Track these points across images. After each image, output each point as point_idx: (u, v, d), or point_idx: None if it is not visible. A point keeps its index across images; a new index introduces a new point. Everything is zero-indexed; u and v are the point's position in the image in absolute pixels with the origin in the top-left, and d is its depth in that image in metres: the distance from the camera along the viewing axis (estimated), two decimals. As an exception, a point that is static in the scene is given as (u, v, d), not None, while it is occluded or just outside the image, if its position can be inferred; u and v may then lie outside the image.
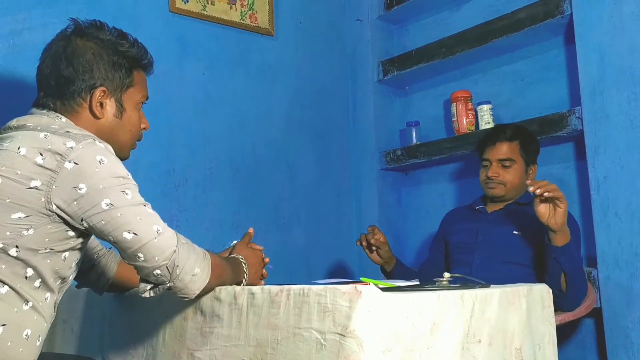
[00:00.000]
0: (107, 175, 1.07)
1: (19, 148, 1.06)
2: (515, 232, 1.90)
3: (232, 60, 2.41)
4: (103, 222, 1.07)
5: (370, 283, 1.50)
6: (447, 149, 2.46)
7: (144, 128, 1.33)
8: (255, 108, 2.46)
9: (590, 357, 2.05)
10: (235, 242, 1.58)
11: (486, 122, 2.37)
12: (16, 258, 1.06)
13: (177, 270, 1.10)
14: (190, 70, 2.27)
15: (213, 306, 1.19)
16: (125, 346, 1.39)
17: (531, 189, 1.67)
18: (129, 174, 1.13)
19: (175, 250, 1.11)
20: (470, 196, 2.55)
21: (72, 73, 1.18)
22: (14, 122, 1.15)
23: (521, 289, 1.28)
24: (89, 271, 1.43)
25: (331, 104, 2.77)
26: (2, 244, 1.04)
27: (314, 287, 1.02)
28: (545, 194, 1.64)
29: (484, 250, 1.94)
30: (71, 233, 1.10)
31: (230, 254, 1.41)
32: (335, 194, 2.72)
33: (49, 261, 1.10)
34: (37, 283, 1.10)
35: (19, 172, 1.04)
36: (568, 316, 1.76)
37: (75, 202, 1.06)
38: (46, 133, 1.08)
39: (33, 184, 1.04)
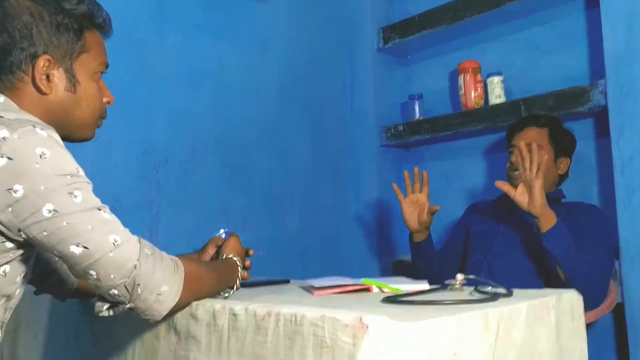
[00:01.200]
0: (50, 172, 0.87)
1: None
2: None
3: (217, 27, 2.17)
4: (45, 234, 0.87)
5: (373, 286, 1.33)
6: (453, 125, 2.25)
7: (108, 102, 1.12)
8: (244, 80, 2.23)
9: (608, 356, 1.89)
10: (222, 230, 1.40)
11: (497, 95, 2.16)
12: None
13: (139, 290, 0.91)
14: (170, 39, 2.03)
15: (189, 325, 1.01)
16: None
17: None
18: (80, 169, 0.92)
19: (135, 265, 0.91)
20: (477, 177, 2.37)
21: (6, 40, 0.97)
22: None
23: (549, 299, 1.10)
24: (49, 276, 1.24)
25: (327, 75, 2.55)
26: None
27: (309, 314, 0.83)
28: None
29: (504, 240, 1.78)
30: (9, 244, 0.90)
31: (222, 250, 1.27)
32: (331, 173, 2.52)
33: None
34: None
35: None
36: (588, 317, 1.59)
37: (9, 209, 0.85)
38: None
39: None
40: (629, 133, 1.74)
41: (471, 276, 1.32)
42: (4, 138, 0.85)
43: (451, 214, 2.41)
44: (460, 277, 1.31)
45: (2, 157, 0.84)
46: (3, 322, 0.99)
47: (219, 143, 2.13)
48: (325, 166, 2.50)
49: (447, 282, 1.31)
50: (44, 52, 0.99)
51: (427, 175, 1.91)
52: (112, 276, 0.90)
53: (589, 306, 1.60)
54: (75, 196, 0.88)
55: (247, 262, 1.32)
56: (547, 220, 1.56)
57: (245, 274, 1.29)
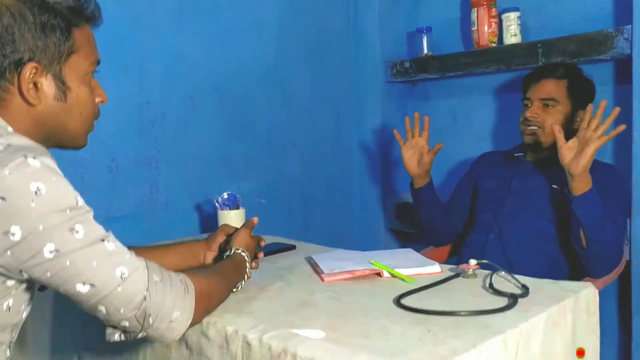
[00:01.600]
0: (48, 210, 0.80)
1: None
2: (554, 185, 1.66)
3: (209, -39, 1.98)
4: (49, 274, 0.82)
5: (384, 271, 1.30)
6: (464, 66, 2.13)
7: (101, 102, 1.03)
8: (240, 19, 2.07)
9: (610, 312, 1.92)
10: (224, 225, 1.38)
11: (512, 34, 2.02)
12: None
13: (150, 320, 0.88)
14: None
15: (200, 343, 0.99)
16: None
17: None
18: (79, 197, 0.85)
19: (145, 296, 0.87)
20: (487, 118, 2.28)
21: None
22: None
23: (567, 302, 1.08)
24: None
25: (329, 5, 2.37)
26: None
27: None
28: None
29: (516, 199, 1.72)
30: (10, 282, 0.86)
31: (231, 240, 1.24)
32: (334, 114, 2.43)
33: None
34: None
35: None
36: (597, 284, 1.59)
37: (8, 252, 0.80)
38: None
39: None
40: (653, 88, 1.65)
41: (484, 261, 1.30)
42: None
43: (458, 156, 2.36)
44: (473, 262, 1.29)
45: None
46: (11, 342, 0.96)
47: (217, 90, 2.02)
48: (327, 106, 2.40)
49: (460, 268, 1.29)
50: (30, 59, 0.89)
51: (428, 120, 1.88)
52: (121, 310, 0.86)
53: (605, 272, 1.61)
54: (76, 231, 0.82)
55: (260, 254, 1.29)
56: (583, 184, 1.48)
57: (255, 264, 1.26)
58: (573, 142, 1.49)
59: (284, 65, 2.22)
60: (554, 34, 2.02)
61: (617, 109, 1.48)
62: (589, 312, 1.14)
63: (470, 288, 1.19)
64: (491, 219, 1.74)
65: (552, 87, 1.70)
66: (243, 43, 2.08)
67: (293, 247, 1.65)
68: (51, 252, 0.81)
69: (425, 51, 2.28)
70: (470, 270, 1.26)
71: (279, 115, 2.22)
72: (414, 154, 1.86)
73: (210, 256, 1.28)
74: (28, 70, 0.89)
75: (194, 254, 1.28)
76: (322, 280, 1.29)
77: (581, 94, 1.71)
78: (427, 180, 1.88)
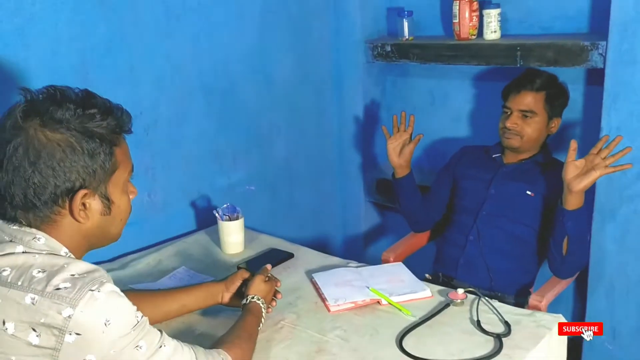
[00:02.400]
0: (116, 337, 0.91)
1: (4, 323, 0.87)
2: (528, 192, 1.84)
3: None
4: (120, 386, 0.95)
5: (382, 299, 1.47)
6: (445, 57, 2.19)
7: (133, 197, 1.11)
8: (226, 12, 2.05)
9: (567, 294, 2.17)
10: (242, 271, 1.45)
11: (492, 30, 2.08)
12: None
13: None
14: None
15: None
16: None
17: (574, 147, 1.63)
18: (137, 312, 0.96)
19: None
20: (464, 102, 2.38)
21: (41, 180, 0.93)
22: None
23: (544, 343, 1.28)
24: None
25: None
26: None
27: None
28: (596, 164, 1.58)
29: (493, 204, 1.89)
30: None
31: (247, 287, 1.37)
32: (315, 94, 2.48)
33: None
34: None
35: (14, 359, 0.87)
36: (561, 286, 1.81)
37: None
38: (33, 295, 0.88)
39: None
40: (621, 104, 1.78)
41: (471, 288, 1.49)
42: (69, 316, 0.87)
43: (434, 134, 2.49)
44: (460, 291, 1.47)
45: (71, 334, 0.88)
46: None
47: (204, 88, 2.04)
48: (310, 87, 2.44)
49: (449, 297, 1.46)
50: (81, 187, 0.96)
51: (413, 118, 2.01)
52: None
53: (573, 274, 1.83)
54: (140, 347, 0.94)
55: (279, 295, 1.42)
56: (577, 200, 1.63)
57: (270, 310, 1.39)
58: (581, 162, 1.60)
59: (266, 52, 2.23)
60: (531, 30, 2.11)
61: (629, 149, 1.59)
62: (560, 342, 1.35)
63: (460, 323, 1.37)
64: (470, 221, 1.91)
65: (530, 100, 1.81)
66: (228, 37, 2.08)
67: (292, 256, 1.79)
68: (122, 370, 0.93)
69: (406, 35, 2.32)
70: (459, 300, 1.45)
71: (263, 102, 2.27)
72: (397, 145, 1.99)
73: (227, 297, 1.42)
74: (80, 196, 0.96)
75: (213, 294, 1.41)
76: (329, 310, 1.46)
77: (557, 106, 1.85)
78: (407, 171, 2.02)
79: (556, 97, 1.84)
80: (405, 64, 2.36)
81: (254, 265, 1.69)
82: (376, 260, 1.95)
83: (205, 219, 2.09)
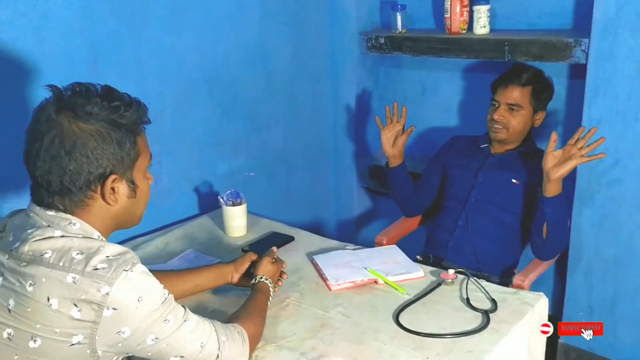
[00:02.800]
0: (148, 311, 1.02)
1: (48, 299, 0.97)
2: (513, 180, 1.96)
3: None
4: (150, 354, 1.06)
5: (379, 279, 1.59)
6: (437, 50, 2.29)
7: (150, 183, 1.21)
8: (227, 7, 2.14)
9: (548, 274, 2.31)
10: (250, 253, 1.57)
11: (482, 25, 2.19)
12: None
13: None
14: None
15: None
16: None
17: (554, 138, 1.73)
18: (164, 290, 1.06)
19: (218, 355, 1.14)
20: (454, 93, 2.50)
21: (76, 167, 1.04)
22: (26, 248, 1.01)
23: (527, 319, 1.41)
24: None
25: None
26: None
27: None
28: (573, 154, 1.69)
29: (481, 192, 2.01)
30: (117, 357, 1.09)
31: (255, 268, 1.48)
32: (311, 84, 2.58)
33: None
34: None
35: (58, 331, 0.98)
36: (543, 267, 1.94)
37: (120, 344, 1.02)
38: (74, 275, 0.98)
39: (75, 339, 0.98)
40: (602, 98, 1.90)
41: (461, 269, 1.61)
42: (107, 293, 0.98)
43: (425, 123, 2.60)
44: (451, 272, 1.59)
45: (108, 309, 0.98)
46: None
47: (207, 80, 2.13)
48: (306, 78, 2.54)
49: (441, 276, 1.59)
50: (111, 172, 1.06)
51: (405, 109, 2.11)
52: None
53: (553, 256, 1.97)
54: (168, 321, 1.05)
55: (280, 283, 1.53)
56: (555, 188, 1.76)
57: (276, 289, 1.51)
58: (559, 152, 1.72)
59: (265, 45, 2.32)
60: (518, 25, 2.23)
61: (603, 139, 1.70)
62: (541, 319, 1.48)
63: (451, 300, 1.49)
64: (459, 207, 2.03)
65: (517, 94, 1.93)
66: (230, 31, 2.16)
67: (292, 239, 1.90)
68: (152, 340, 1.04)
69: (399, 28, 2.42)
70: (449, 279, 1.57)
71: (263, 92, 2.36)
72: (391, 136, 2.10)
73: (236, 277, 1.53)
74: (110, 181, 1.06)
75: (224, 274, 1.52)
76: (330, 289, 1.57)
77: (543, 99, 1.97)
78: (400, 161, 2.14)
79: (542, 91, 1.96)
80: (398, 55, 2.46)
81: (257, 247, 1.81)
82: (368, 243, 2.07)
83: (208, 204, 2.19)
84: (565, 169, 1.71)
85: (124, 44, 1.85)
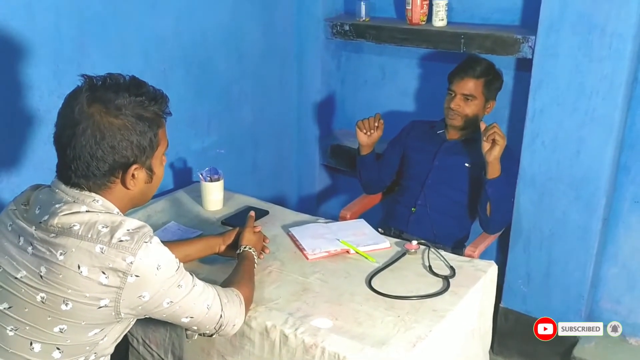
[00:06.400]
0: (165, 278, 1.16)
1: (79, 267, 1.09)
2: (466, 164, 2.18)
3: None
4: (164, 315, 1.20)
5: (350, 249, 1.78)
6: (398, 40, 2.47)
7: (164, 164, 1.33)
8: (204, -12, 2.24)
9: (494, 246, 2.57)
10: (238, 228, 1.69)
11: (440, 18, 2.38)
12: None
13: (222, 328, 1.31)
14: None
15: (243, 329, 1.41)
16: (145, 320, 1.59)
17: (482, 128, 2.02)
18: (175, 259, 1.20)
19: (221, 315, 1.29)
20: (411, 79, 2.69)
21: (103, 156, 1.15)
22: (55, 221, 1.12)
23: (481, 283, 1.63)
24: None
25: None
26: (84, 357, 1.15)
27: (349, 356, 1.29)
28: (489, 136, 1.97)
29: (437, 174, 2.23)
30: (133, 320, 1.22)
31: (240, 239, 1.62)
32: (279, 67, 2.71)
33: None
34: None
35: (88, 295, 1.10)
36: (490, 240, 2.19)
37: (140, 307, 1.16)
38: (101, 246, 1.10)
39: (102, 302, 1.11)
40: (545, 90, 2.13)
41: (422, 240, 1.82)
42: (131, 262, 1.11)
43: (383, 107, 2.78)
44: (414, 243, 1.80)
45: (132, 276, 1.11)
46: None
47: (184, 60, 2.23)
48: (274, 60, 2.67)
49: (405, 247, 1.79)
50: (134, 161, 1.17)
51: (380, 117, 2.25)
52: (207, 327, 1.28)
53: (498, 231, 2.21)
54: (180, 286, 1.20)
55: (267, 250, 1.68)
56: (494, 170, 2.02)
57: (262, 257, 1.66)
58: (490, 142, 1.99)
59: (238, 28, 2.43)
60: (472, 19, 2.43)
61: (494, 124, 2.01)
62: (492, 282, 1.71)
63: (415, 268, 1.70)
64: (418, 187, 2.25)
65: (471, 85, 2.14)
66: (206, 14, 2.26)
67: (267, 213, 2.05)
68: (167, 303, 1.18)
69: (363, 16, 2.58)
70: (413, 250, 1.77)
71: (234, 72, 2.48)
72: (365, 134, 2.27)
73: (223, 248, 1.67)
74: (132, 169, 1.18)
75: (211, 246, 1.66)
76: (307, 258, 1.75)
77: (493, 90, 2.19)
78: (371, 149, 2.32)
79: (493, 82, 2.18)
80: (360, 42, 2.63)
81: (235, 220, 1.95)
82: (328, 217, 2.21)
83: (183, 179, 2.31)
84: (495, 151, 1.97)
85: (109, 24, 1.92)
